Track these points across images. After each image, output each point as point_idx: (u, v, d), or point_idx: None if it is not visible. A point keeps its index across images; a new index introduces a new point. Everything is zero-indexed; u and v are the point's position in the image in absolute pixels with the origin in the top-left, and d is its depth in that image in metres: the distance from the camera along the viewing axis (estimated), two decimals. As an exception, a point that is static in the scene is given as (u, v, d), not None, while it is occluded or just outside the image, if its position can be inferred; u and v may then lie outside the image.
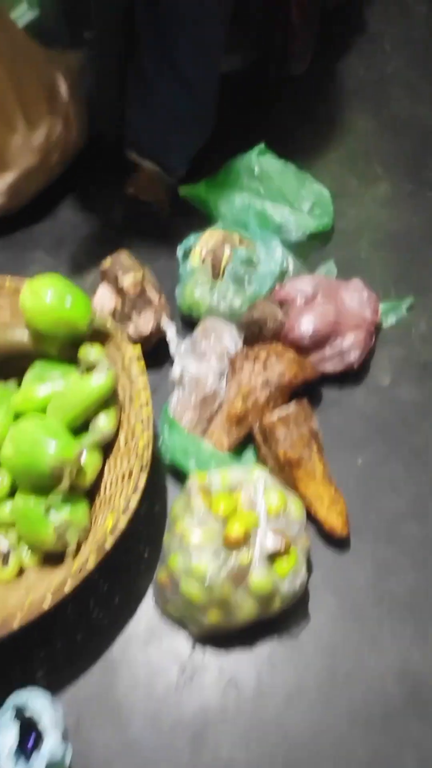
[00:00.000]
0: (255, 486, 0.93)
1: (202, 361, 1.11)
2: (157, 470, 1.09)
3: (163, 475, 1.10)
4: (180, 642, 0.96)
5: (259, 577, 0.87)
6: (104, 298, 1.19)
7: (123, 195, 1.46)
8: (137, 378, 0.98)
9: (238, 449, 1.09)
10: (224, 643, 0.94)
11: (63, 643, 0.97)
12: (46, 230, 1.44)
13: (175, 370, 1.10)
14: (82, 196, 1.47)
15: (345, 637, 0.94)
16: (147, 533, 1.04)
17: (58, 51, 1.41)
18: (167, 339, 1.14)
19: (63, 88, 1.37)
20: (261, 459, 1.05)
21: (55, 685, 0.93)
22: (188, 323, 1.25)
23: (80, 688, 0.94)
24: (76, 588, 0.84)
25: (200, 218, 1.41)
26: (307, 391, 1.14)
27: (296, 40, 1.58)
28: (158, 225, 1.41)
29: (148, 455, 0.92)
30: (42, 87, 1.31)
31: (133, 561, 1.03)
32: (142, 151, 1.36)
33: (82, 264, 1.38)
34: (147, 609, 0.99)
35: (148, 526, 1.05)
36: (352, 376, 1.17)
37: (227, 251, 1.22)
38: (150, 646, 0.96)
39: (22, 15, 1.59)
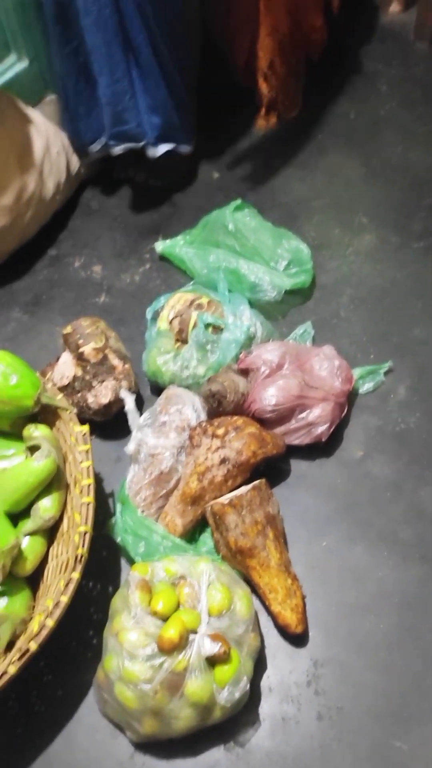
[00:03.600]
0: (199, 580, 0.88)
1: (161, 434, 1.06)
2: (110, 548, 1.05)
3: (117, 553, 1.05)
4: (120, 744, 0.90)
5: (195, 686, 0.81)
6: (65, 366, 1.16)
7: (102, 251, 1.44)
8: (81, 462, 0.94)
9: (195, 530, 1.04)
10: (166, 748, 0.88)
11: (2, 738, 0.92)
12: (24, 288, 1.41)
13: (131, 445, 1.06)
14: (60, 251, 1.45)
15: (294, 748, 0.87)
16: (97, 618, 0.99)
17: (36, 102, 1.40)
18: (125, 410, 1.10)
19: (37, 144, 1.35)
20: (215, 543, 0.99)
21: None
22: (157, 389, 1.20)
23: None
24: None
25: (180, 276, 1.37)
26: (273, 464, 1.08)
27: (282, 88, 1.53)
28: (136, 283, 1.38)
29: (84, 549, 0.87)
30: (12, 146, 1.30)
31: (80, 648, 0.98)
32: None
33: (58, 322, 1.35)
34: (90, 704, 0.93)
35: (98, 610, 1.00)
36: (322, 448, 1.10)
37: (194, 315, 1.17)
38: (90, 746, 0.91)
39: (11, 66, 1.58)
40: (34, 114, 1.39)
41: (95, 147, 1.41)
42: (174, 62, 1.32)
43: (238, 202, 1.33)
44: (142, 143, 1.39)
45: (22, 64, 1.53)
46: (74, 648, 0.98)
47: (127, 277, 1.39)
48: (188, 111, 1.42)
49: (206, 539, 1.03)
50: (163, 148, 1.40)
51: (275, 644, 0.94)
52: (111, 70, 1.28)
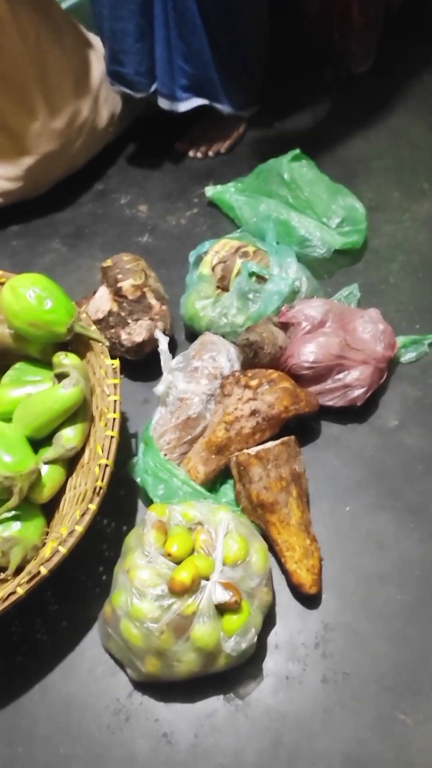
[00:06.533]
0: (216, 528, 0.85)
1: (192, 379, 1.03)
2: (129, 488, 1.03)
3: (135, 494, 1.03)
4: (120, 681, 0.89)
5: (201, 631, 0.79)
6: (102, 300, 1.13)
7: (150, 191, 1.40)
8: (109, 395, 0.91)
9: (217, 480, 1.01)
10: (165, 691, 0.87)
11: (1, 662, 0.92)
12: (66, 219, 1.38)
13: (161, 386, 1.03)
14: (107, 186, 1.41)
15: (296, 708, 0.85)
16: (109, 555, 0.98)
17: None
18: (159, 350, 1.07)
19: (95, 71, 1.31)
20: (236, 495, 0.96)
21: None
22: (192, 335, 1.17)
23: (10, 716, 0.88)
24: (3, 612, 0.78)
25: (227, 224, 1.33)
26: (303, 424, 1.05)
27: (356, 39, 1.46)
28: (181, 226, 1.34)
29: (103, 482, 0.85)
30: (70, 68, 1.25)
31: (89, 583, 0.96)
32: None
33: (98, 258, 1.32)
34: (93, 639, 0.92)
35: (110, 547, 0.98)
36: (356, 412, 1.06)
37: (238, 262, 1.13)
38: (89, 680, 0.90)
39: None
40: (95, 40, 1.34)
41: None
42: (220, 18, 1.22)
43: (297, 151, 1.27)
44: (139, 95, 1.31)
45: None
46: (83, 582, 0.96)
47: (173, 219, 1.35)
48: (234, 71, 1.31)
49: (227, 490, 1.00)
50: (193, 102, 1.32)
51: (287, 603, 0.92)
52: (113, 6, 1.20)
